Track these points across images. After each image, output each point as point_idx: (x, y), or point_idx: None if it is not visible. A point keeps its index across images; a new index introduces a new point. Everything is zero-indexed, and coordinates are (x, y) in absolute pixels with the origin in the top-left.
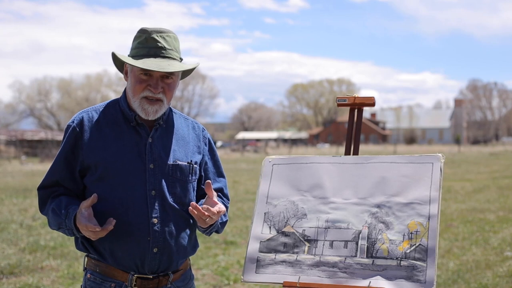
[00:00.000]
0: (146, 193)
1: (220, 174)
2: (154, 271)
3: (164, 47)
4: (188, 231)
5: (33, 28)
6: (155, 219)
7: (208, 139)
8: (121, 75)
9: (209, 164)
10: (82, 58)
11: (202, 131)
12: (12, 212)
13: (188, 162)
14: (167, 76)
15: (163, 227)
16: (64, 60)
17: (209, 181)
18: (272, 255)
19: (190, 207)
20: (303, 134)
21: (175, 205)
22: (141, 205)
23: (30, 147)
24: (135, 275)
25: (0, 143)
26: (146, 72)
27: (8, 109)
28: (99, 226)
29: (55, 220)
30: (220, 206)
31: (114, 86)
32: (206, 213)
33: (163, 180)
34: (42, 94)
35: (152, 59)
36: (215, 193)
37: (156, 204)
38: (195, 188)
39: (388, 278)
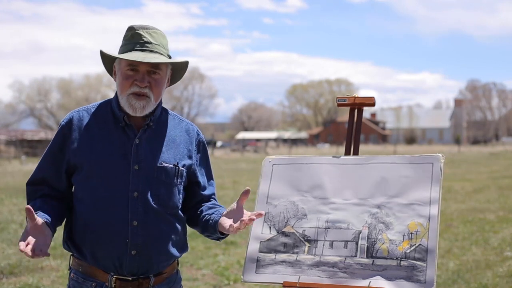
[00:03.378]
0: (128, 194)
1: (211, 177)
2: (133, 273)
3: (150, 41)
4: (171, 234)
5: (32, 28)
6: (135, 221)
7: (202, 142)
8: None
9: (203, 168)
10: (81, 58)
11: (197, 135)
12: (12, 212)
13: (174, 165)
14: (154, 71)
15: (143, 230)
16: (64, 60)
17: (249, 188)
18: (272, 255)
19: (231, 226)
20: (303, 134)
21: (158, 208)
22: (122, 207)
23: (30, 147)
24: (114, 276)
25: (0, 143)
26: (133, 68)
27: (8, 109)
28: (28, 249)
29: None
30: (251, 213)
31: (113, 86)
32: (247, 222)
33: (146, 182)
34: (42, 94)
35: (138, 53)
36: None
37: (138, 206)
38: (181, 191)
39: (388, 278)
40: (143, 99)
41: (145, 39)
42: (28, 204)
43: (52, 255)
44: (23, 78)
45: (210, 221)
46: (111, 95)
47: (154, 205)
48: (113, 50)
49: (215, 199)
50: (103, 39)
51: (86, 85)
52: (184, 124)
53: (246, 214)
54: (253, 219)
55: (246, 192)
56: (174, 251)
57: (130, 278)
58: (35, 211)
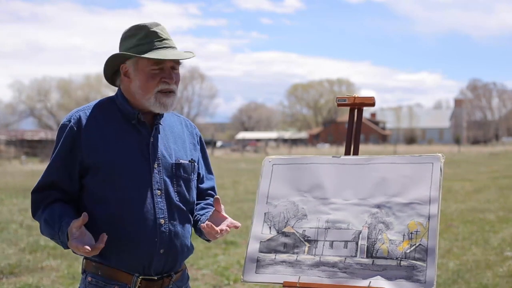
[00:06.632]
0: (152, 193)
1: (210, 171)
2: (159, 272)
3: (167, 37)
4: (190, 230)
5: (31, 29)
6: (162, 220)
7: (199, 136)
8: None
9: (201, 162)
10: (80, 58)
11: (194, 129)
12: (12, 212)
13: (189, 160)
14: (175, 67)
15: (170, 227)
16: (63, 60)
17: (218, 197)
18: (272, 255)
19: (205, 226)
20: (303, 134)
21: (180, 205)
22: (148, 206)
23: (30, 147)
24: (140, 277)
25: (0, 143)
26: (158, 66)
27: (8, 109)
28: (89, 247)
29: (48, 231)
30: (231, 221)
31: (113, 87)
32: (220, 233)
33: (168, 180)
34: (41, 94)
35: (163, 50)
36: (223, 207)
37: (162, 204)
38: (195, 186)
39: (388, 278)
40: (172, 95)
41: (162, 36)
42: (38, 211)
43: (52, 255)
44: (23, 78)
45: (199, 222)
46: (111, 94)
47: (176, 202)
48: (113, 49)
49: (214, 194)
50: (102, 39)
51: (86, 85)
52: (182, 120)
53: (227, 221)
54: (226, 230)
55: (216, 200)
56: (191, 247)
57: (156, 278)
58: (58, 218)
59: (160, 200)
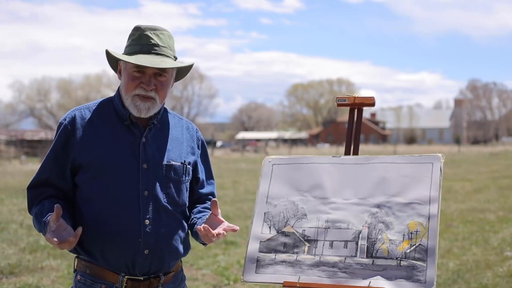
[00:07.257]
0: (138, 193)
1: (211, 176)
2: (145, 273)
3: (157, 43)
4: (180, 232)
5: (31, 29)
6: (147, 220)
7: (202, 140)
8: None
9: (202, 166)
10: (80, 58)
11: (196, 132)
12: (12, 212)
13: (181, 163)
14: (160, 73)
15: (155, 229)
16: (63, 60)
17: (215, 199)
18: (272, 255)
19: (201, 228)
20: (303, 134)
21: (168, 206)
22: (134, 206)
23: (30, 147)
24: (126, 277)
25: (0, 143)
26: (139, 69)
27: (8, 109)
28: (57, 239)
29: (37, 225)
30: (228, 225)
31: (114, 86)
32: (216, 236)
33: (156, 181)
34: (41, 94)
35: (145, 56)
36: (220, 211)
37: (149, 205)
38: (188, 189)
39: (388, 278)
40: (149, 100)
41: (152, 41)
42: (32, 207)
43: (52, 255)
44: (23, 78)
45: (195, 225)
46: (111, 95)
47: (164, 203)
48: (113, 49)
49: (213, 197)
50: (102, 39)
51: (85, 85)
52: (183, 122)
53: (223, 225)
54: (223, 234)
55: (213, 203)
56: (182, 249)
57: (142, 278)
58: (46, 214)
59: (147, 200)
